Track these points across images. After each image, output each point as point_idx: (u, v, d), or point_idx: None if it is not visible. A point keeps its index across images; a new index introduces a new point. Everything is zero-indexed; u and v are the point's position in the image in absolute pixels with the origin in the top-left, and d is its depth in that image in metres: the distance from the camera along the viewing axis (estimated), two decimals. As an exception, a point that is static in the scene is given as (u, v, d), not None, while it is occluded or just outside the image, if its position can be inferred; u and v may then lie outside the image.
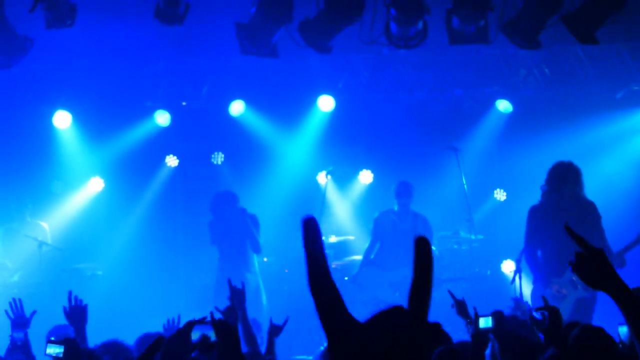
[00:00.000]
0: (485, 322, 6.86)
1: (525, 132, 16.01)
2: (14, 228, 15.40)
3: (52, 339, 6.70)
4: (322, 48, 11.61)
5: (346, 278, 14.64)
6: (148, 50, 14.11)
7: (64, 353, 6.36)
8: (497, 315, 6.91)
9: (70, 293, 7.79)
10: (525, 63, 15.24)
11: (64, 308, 7.73)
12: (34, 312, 8.06)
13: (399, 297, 14.01)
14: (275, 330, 8.03)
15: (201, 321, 6.03)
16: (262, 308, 13.67)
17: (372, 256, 14.71)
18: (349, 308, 4.12)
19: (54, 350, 6.46)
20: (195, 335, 6.15)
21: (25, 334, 7.77)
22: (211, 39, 13.50)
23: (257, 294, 14.00)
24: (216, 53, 14.19)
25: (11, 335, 7.78)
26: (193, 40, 13.68)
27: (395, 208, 14.70)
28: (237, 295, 8.07)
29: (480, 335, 6.73)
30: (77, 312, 7.73)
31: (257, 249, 14.42)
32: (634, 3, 11.48)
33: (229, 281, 8.18)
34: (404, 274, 14.16)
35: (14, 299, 8.06)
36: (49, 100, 15.61)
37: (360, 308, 7.66)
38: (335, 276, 13.36)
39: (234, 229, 14.41)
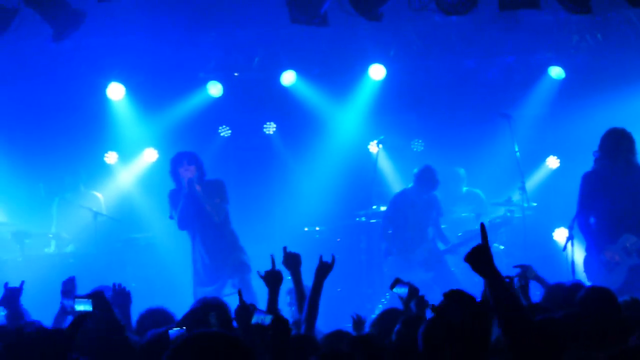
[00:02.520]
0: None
1: (578, 99, 15.87)
2: (68, 199, 15.59)
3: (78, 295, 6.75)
4: (372, 16, 11.58)
5: None
6: (199, 21, 14.18)
7: (94, 307, 6.40)
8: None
9: (114, 284, 7.91)
10: (577, 29, 15.06)
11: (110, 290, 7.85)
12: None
13: (434, 274, 14.04)
14: (324, 268, 7.76)
15: None
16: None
17: (391, 241, 14.57)
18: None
19: (83, 306, 6.50)
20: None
21: (74, 300, 7.97)
22: (261, 8, 13.53)
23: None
24: (267, 23, 14.22)
25: (61, 302, 7.98)
26: (244, 10, 13.72)
27: (409, 186, 14.60)
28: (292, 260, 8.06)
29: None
30: (121, 297, 7.85)
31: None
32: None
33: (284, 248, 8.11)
34: (427, 248, 14.16)
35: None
36: (102, 73, 15.73)
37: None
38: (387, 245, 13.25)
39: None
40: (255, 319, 6.27)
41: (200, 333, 4.34)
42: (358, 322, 7.87)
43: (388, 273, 14.21)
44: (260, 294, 9.95)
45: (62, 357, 4.81)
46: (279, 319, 6.15)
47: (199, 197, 12.68)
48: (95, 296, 6.45)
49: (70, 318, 7.91)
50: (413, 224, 14.24)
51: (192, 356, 4.22)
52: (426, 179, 14.32)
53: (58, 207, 15.69)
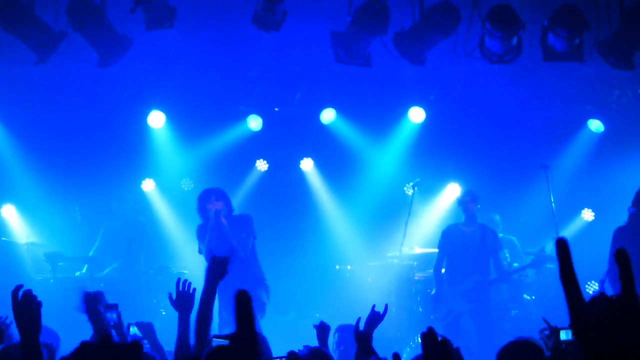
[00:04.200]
0: (565, 335, 6.85)
1: (616, 153, 15.85)
2: (114, 227, 15.73)
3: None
4: (416, 60, 11.63)
5: (431, 291, 14.59)
6: (244, 55, 14.29)
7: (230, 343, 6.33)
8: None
9: (179, 279, 7.96)
10: (619, 83, 15.10)
11: (170, 295, 7.90)
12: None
13: (475, 307, 13.93)
14: (375, 318, 7.67)
15: None
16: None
17: (443, 272, 14.35)
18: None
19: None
20: None
21: (118, 315, 8.07)
22: (306, 46, 13.61)
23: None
24: (310, 60, 14.31)
25: (105, 315, 8.10)
26: (288, 47, 13.81)
27: (462, 219, 14.33)
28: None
29: (560, 348, 6.70)
30: (184, 299, 7.85)
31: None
32: None
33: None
34: (475, 280, 14.05)
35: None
36: (144, 100, 15.87)
37: (436, 324, 7.71)
38: (417, 288, 13.38)
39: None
40: None
41: None
42: None
43: (436, 302, 14.17)
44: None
45: None
46: None
47: (225, 229, 12.38)
48: (234, 336, 6.43)
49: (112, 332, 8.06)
50: (462, 256, 14.10)
51: None
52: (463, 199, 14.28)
53: (103, 234, 15.70)
